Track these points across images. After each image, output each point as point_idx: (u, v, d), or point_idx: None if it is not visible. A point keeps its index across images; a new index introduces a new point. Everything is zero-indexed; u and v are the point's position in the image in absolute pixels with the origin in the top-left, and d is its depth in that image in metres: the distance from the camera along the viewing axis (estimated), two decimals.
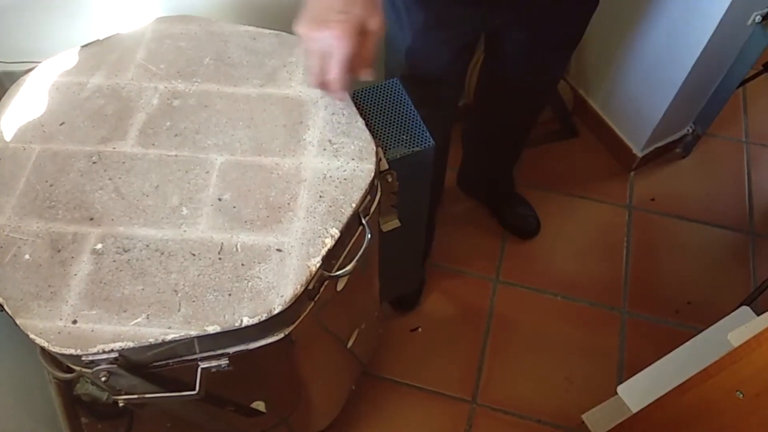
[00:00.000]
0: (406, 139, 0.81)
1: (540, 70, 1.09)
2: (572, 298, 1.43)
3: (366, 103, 0.84)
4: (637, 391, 0.88)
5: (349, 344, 0.94)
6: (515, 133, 1.32)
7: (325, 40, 0.63)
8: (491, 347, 1.36)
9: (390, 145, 0.81)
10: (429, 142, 0.80)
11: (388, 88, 0.86)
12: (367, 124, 0.81)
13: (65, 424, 1.24)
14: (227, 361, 0.65)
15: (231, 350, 0.64)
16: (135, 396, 0.64)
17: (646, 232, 1.53)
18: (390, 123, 0.82)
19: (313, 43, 0.64)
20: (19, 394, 1.11)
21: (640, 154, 1.56)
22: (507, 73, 1.10)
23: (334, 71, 0.65)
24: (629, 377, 1.33)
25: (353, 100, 0.86)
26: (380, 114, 0.83)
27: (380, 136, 0.81)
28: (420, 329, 1.38)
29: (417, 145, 0.80)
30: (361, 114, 0.83)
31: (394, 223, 0.91)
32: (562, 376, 1.32)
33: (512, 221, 1.51)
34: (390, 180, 0.81)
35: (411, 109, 0.83)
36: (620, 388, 0.91)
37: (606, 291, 1.44)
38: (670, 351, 1.35)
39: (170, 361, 0.63)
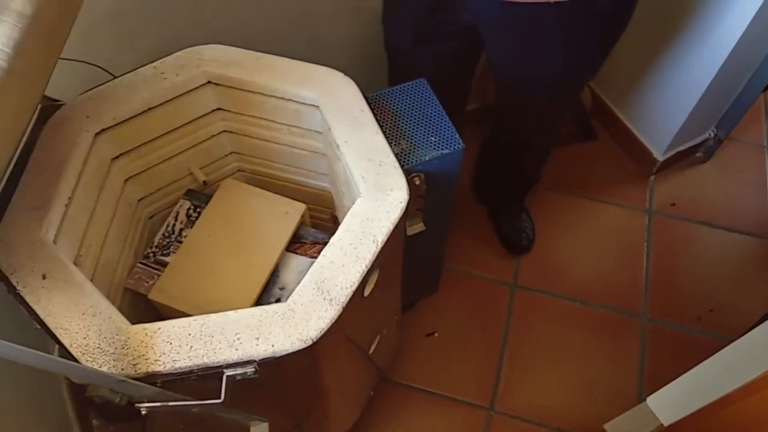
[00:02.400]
0: (435, 141, 0.78)
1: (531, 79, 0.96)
2: (591, 303, 1.40)
3: (393, 103, 0.82)
4: (668, 403, 0.85)
5: (371, 350, 0.92)
6: (520, 141, 1.22)
7: None
8: (509, 353, 1.34)
9: (418, 146, 0.79)
10: (458, 144, 0.78)
11: (415, 88, 0.83)
12: (394, 125, 0.79)
13: (77, 426, 1.22)
14: (253, 369, 0.63)
15: (258, 358, 0.62)
16: (158, 404, 0.62)
17: (667, 238, 1.50)
18: (418, 124, 0.80)
19: None
20: (32, 395, 1.09)
21: (660, 158, 1.53)
22: (498, 75, 1.04)
23: None
24: (650, 384, 1.30)
25: (378, 100, 0.84)
26: (407, 115, 0.81)
27: (408, 137, 0.79)
28: (436, 334, 1.36)
29: (445, 148, 0.78)
30: (388, 115, 0.81)
31: (419, 227, 0.89)
32: (581, 383, 1.30)
33: (505, 233, 1.46)
34: (418, 183, 0.79)
35: (439, 111, 0.81)
36: (650, 400, 0.88)
37: (626, 297, 1.41)
38: (693, 358, 1.31)
39: (195, 369, 0.61)
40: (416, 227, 0.87)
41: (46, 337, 0.85)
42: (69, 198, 0.74)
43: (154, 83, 0.82)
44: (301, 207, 0.92)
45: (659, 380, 1.31)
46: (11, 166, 0.76)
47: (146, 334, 0.63)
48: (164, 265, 0.90)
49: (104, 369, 0.61)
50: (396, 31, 0.99)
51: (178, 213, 0.95)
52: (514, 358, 1.33)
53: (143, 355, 0.61)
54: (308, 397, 0.88)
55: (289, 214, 0.91)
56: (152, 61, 0.85)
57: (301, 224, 0.93)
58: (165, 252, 0.91)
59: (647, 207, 1.55)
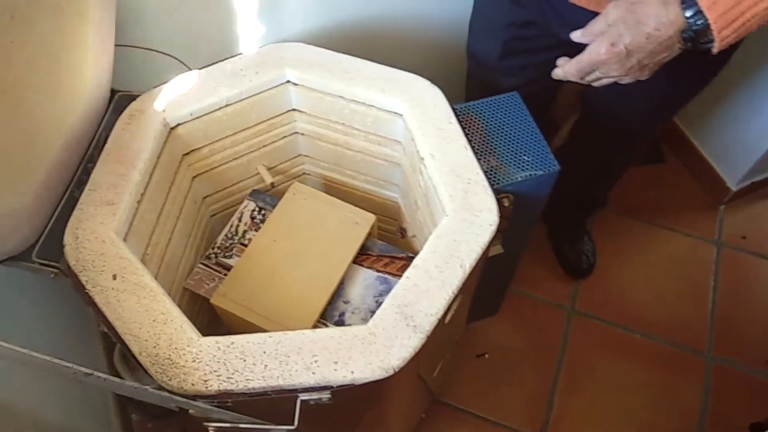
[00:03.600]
0: (528, 161, 0.73)
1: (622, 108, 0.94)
2: (652, 336, 1.33)
3: (482, 117, 0.77)
4: None
5: (434, 375, 0.87)
6: (598, 165, 1.16)
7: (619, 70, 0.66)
8: (563, 382, 1.27)
9: (508, 165, 0.73)
10: (553, 166, 0.73)
11: (506, 102, 0.78)
12: (483, 141, 0.74)
13: (116, 420, 1.20)
14: (329, 395, 0.58)
15: (336, 384, 0.58)
16: (228, 425, 0.58)
17: (736, 272, 1.42)
18: (509, 141, 0.75)
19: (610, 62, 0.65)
20: (73, 388, 1.07)
21: (734, 188, 1.45)
22: (591, 95, 1.00)
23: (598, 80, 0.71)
24: (713, 429, 1.23)
25: (466, 112, 0.79)
26: (498, 130, 0.76)
27: (498, 154, 0.74)
28: (487, 355, 1.30)
29: (539, 168, 0.73)
30: (476, 129, 0.76)
31: (497, 249, 0.83)
32: (638, 420, 1.23)
33: (565, 255, 1.40)
34: (507, 204, 0.74)
35: (532, 128, 0.76)
36: None
37: (690, 332, 1.33)
38: (760, 405, 1.24)
39: (270, 391, 0.57)
40: (495, 249, 0.82)
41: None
42: (141, 194, 0.71)
43: (233, 79, 0.79)
44: (370, 217, 0.87)
45: (722, 425, 1.24)
46: (86, 156, 0.74)
47: (219, 348, 0.59)
48: (226, 267, 0.86)
49: (174, 383, 0.57)
50: (484, 39, 0.94)
51: (242, 214, 0.91)
52: (569, 387, 1.27)
53: (215, 371, 0.58)
54: (361, 421, 0.83)
55: (359, 224, 0.87)
56: (231, 56, 0.82)
57: (368, 235, 0.88)
58: (227, 254, 0.88)
59: (716, 238, 1.46)
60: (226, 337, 0.60)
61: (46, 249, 0.67)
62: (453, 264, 0.65)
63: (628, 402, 1.25)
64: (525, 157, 0.73)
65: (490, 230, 0.67)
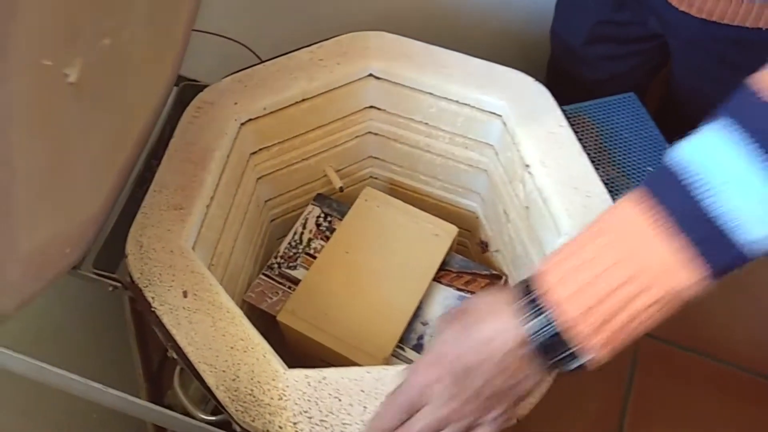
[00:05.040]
0: None
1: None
2: (731, 364, 1.22)
3: (596, 120, 0.68)
4: None
5: None
6: None
7: (439, 408, 0.42)
8: (632, 411, 1.17)
9: (631, 177, 0.64)
10: None
11: (622, 104, 0.69)
12: (598, 148, 0.65)
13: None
14: None
15: None
16: None
17: None
18: (629, 149, 0.66)
19: (416, 394, 0.43)
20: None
21: None
22: (674, 94, 0.91)
23: None
24: None
25: (577, 115, 0.69)
26: (615, 136, 0.67)
27: (617, 164, 0.65)
28: None
29: None
30: (590, 134, 0.67)
31: None
32: None
33: None
34: None
35: (655, 134, 0.66)
36: None
37: None
38: None
39: None
40: None
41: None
42: (211, 197, 0.63)
43: (313, 71, 0.70)
44: (452, 229, 0.78)
45: None
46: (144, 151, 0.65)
47: (309, 384, 0.50)
48: (289, 278, 0.78)
49: (257, 424, 0.48)
50: (571, 19, 0.86)
51: (306, 220, 0.83)
52: (639, 416, 1.16)
53: (305, 412, 0.49)
54: None
55: (439, 236, 0.78)
56: (307, 45, 0.73)
57: (449, 249, 0.79)
58: (291, 264, 0.79)
59: None
60: (317, 370, 0.51)
61: (104, 258, 0.59)
62: None
63: None
64: (649, 168, 0.63)
65: None
